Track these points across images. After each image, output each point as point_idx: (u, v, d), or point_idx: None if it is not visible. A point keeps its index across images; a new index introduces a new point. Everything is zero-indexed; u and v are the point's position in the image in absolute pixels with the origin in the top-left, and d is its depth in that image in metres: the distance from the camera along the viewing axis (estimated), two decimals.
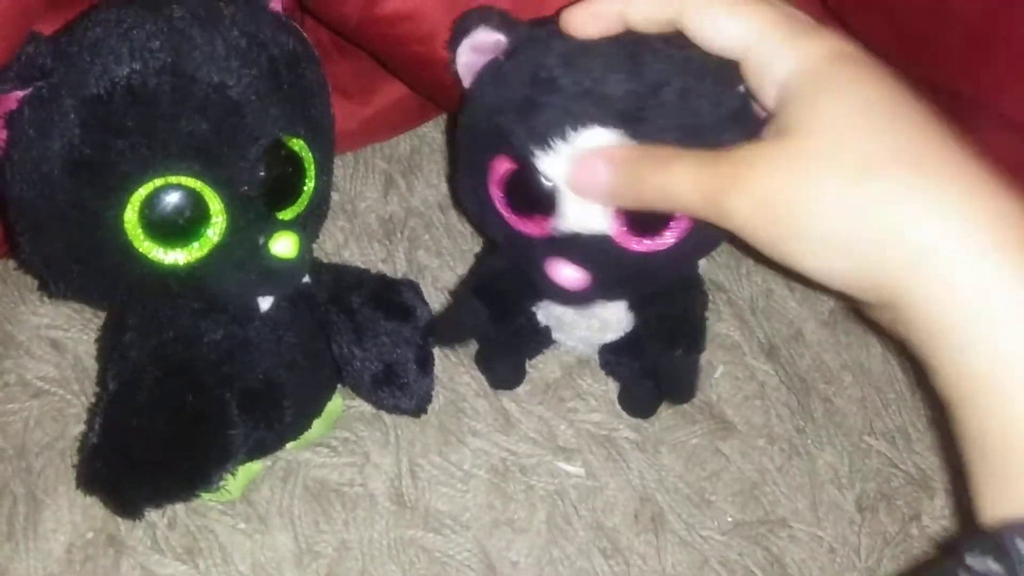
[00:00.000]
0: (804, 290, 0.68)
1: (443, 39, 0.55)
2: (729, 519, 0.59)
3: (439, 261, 0.67)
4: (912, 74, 0.63)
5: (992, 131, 0.58)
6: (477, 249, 0.67)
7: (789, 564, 0.58)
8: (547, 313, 0.59)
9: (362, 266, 0.65)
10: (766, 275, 0.68)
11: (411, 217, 0.68)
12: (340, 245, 0.67)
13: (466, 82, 0.53)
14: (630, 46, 0.47)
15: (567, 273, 0.50)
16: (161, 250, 0.45)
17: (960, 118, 0.62)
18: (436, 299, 0.64)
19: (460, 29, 0.51)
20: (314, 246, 0.66)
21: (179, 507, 0.56)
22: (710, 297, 0.65)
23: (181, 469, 0.48)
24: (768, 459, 0.61)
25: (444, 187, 0.70)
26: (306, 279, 0.53)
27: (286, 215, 0.48)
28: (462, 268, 0.66)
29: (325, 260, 0.66)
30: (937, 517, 0.61)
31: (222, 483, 0.48)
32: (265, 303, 0.51)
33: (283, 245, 0.47)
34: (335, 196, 0.68)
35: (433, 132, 0.72)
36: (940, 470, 0.62)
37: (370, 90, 0.66)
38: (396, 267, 0.66)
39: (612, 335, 0.59)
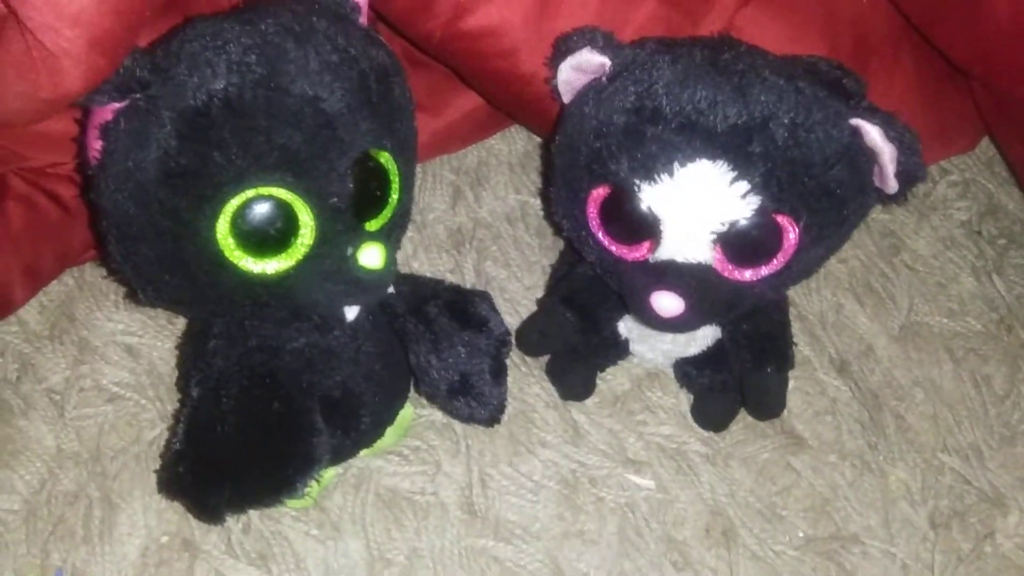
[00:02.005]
0: (875, 305, 0.67)
1: (525, 55, 0.56)
2: (801, 534, 0.59)
3: (507, 272, 0.67)
4: (995, 89, 0.63)
5: None
6: (545, 261, 0.67)
7: None
8: (630, 325, 0.59)
9: (431, 277, 0.66)
10: (836, 289, 0.68)
11: (479, 228, 0.69)
12: (409, 255, 0.67)
13: (565, 99, 0.54)
14: (737, 75, 0.46)
15: (664, 301, 0.49)
16: (252, 260, 0.46)
17: None
18: (504, 310, 0.65)
19: (563, 48, 0.51)
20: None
21: (253, 512, 0.57)
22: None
23: (266, 476, 0.48)
24: (839, 475, 0.61)
25: (512, 199, 0.70)
26: (390, 290, 0.53)
27: (372, 226, 0.49)
28: (529, 280, 0.67)
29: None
30: (1011, 535, 0.60)
31: (307, 490, 0.49)
32: (351, 313, 0.52)
33: (370, 255, 0.47)
34: None
35: (500, 144, 0.73)
36: (1014, 488, 0.61)
37: (441, 103, 0.67)
38: (464, 278, 0.66)
39: (695, 348, 0.59)
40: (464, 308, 0.57)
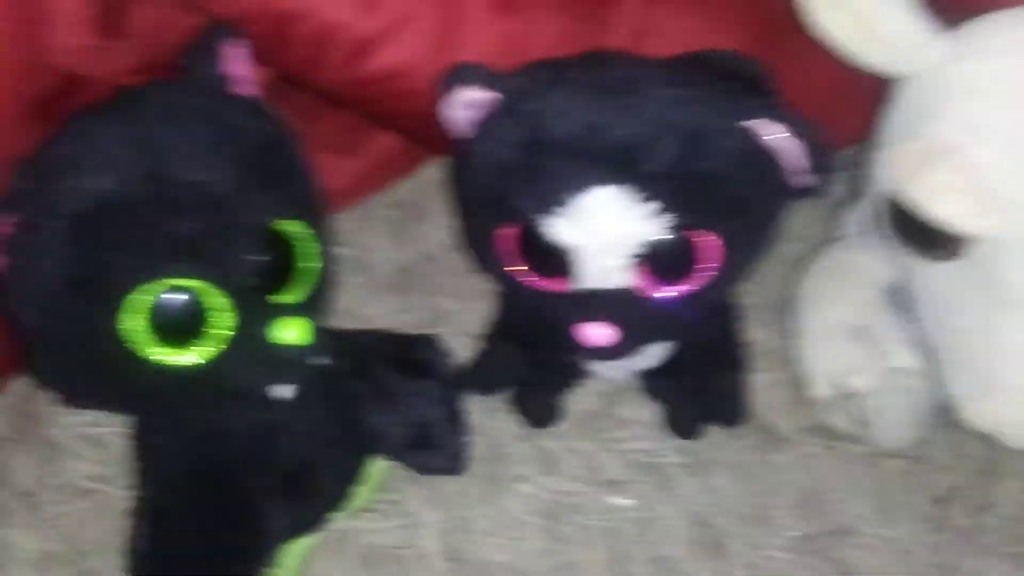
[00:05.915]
0: None
1: (433, 91, 0.54)
2: (792, 534, 0.57)
3: (460, 304, 0.65)
4: None
5: None
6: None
7: (865, 574, 0.56)
8: None
9: (383, 321, 0.65)
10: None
11: (426, 263, 0.67)
12: (360, 303, 0.66)
13: (461, 135, 0.52)
14: (623, 93, 0.45)
15: (593, 332, 0.48)
16: (169, 353, 0.44)
17: None
18: (462, 344, 0.63)
19: (446, 88, 0.50)
20: (333, 308, 0.66)
21: None
22: (743, 305, 0.63)
23: (222, 570, 0.48)
24: (825, 465, 0.59)
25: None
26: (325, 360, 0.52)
27: (289, 298, 0.48)
28: (484, 308, 0.65)
29: (348, 320, 0.65)
30: (1007, 503, 0.58)
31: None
32: (288, 391, 0.50)
33: (288, 331, 0.46)
34: (346, 253, 0.68)
35: (434, 172, 0.71)
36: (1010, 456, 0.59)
37: (361, 143, 0.65)
38: (417, 317, 0.65)
39: (652, 361, 0.58)
40: (410, 356, 0.56)
